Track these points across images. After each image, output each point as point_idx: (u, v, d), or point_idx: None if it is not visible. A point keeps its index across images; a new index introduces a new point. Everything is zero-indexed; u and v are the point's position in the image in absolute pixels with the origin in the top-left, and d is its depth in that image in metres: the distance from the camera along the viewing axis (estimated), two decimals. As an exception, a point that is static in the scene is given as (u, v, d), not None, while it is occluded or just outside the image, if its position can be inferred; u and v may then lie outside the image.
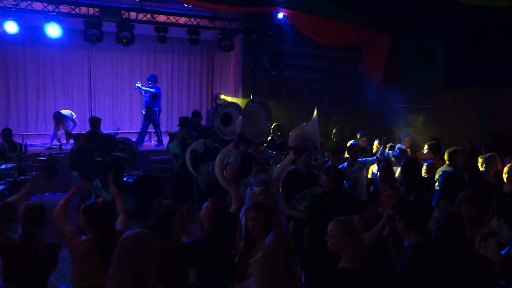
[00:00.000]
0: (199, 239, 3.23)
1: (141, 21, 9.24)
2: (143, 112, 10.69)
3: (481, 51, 8.67)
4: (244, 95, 11.46)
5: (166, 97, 13.67)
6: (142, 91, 10.59)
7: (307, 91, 11.63)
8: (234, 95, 12.05)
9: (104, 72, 12.82)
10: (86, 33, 8.72)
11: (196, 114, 8.88)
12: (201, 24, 9.81)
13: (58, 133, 10.36)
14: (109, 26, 9.00)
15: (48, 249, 2.90)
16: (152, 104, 10.46)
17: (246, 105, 6.10)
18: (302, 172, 5.18)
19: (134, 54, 12.82)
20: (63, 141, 10.03)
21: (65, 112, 10.49)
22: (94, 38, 8.78)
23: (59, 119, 10.20)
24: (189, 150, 6.70)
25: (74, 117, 10.62)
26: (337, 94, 12.08)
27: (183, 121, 7.46)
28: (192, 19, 9.72)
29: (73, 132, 10.30)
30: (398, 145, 7.71)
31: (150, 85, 10.48)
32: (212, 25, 9.92)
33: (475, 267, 2.93)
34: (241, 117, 6.21)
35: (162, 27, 9.43)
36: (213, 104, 11.58)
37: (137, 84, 10.48)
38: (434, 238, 3.04)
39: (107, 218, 2.93)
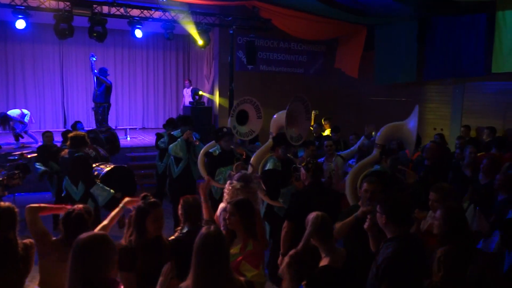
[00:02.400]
0: (179, 236, 3.21)
1: (114, 15, 9.02)
2: (94, 108, 10.13)
3: (455, 44, 8.88)
4: (221, 90, 11.42)
5: (141, 93, 13.49)
6: (95, 83, 10.03)
7: (284, 85, 11.68)
8: (211, 90, 11.99)
9: (77, 68, 12.53)
10: (57, 28, 8.46)
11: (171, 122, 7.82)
12: (176, 18, 9.67)
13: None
14: (80, 21, 8.76)
15: (25, 250, 2.79)
16: (102, 99, 9.92)
17: (290, 103, 5.38)
18: (387, 174, 4.66)
19: (108, 49, 12.56)
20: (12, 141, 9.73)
21: (13, 112, 9.90)
22: (65, 33, 8.52)
23: (4, 120, 9.67)
24: (202, 153, 6.00)
25: (26, 118, 9.97)
26: (314, 88, 12.19)
27: (183, 119, 6.71)
28: (167, 14, 9.57)
29: (28, 131, 10.06)
30: (371, 139, 7.83)
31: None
32: (188, 20, 9.78)
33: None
34: (273, 115, 5.70)
35: (136, 22, 9.24)
36: (191, 100, 11.46)
37: (95, 71, 9.97)
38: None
39: (79, 226, 2.82)
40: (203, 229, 2.34)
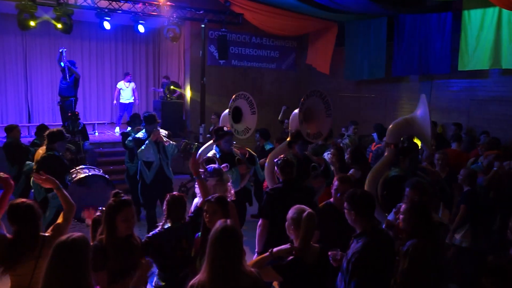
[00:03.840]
0: (159, 231, 3.20)
1: (80, 7, 8.73)
2: (60, 102, 9.60)
3: (422, 41, 9.09)
4: (192, 85, 11.28)
5: (110, 87, 13.12)
6: (67, 74, 9.35)
7: (255, 80, 11.67)
8: (182, 84, 11.83)
9: (42, 60, 12.05)
10: (20, 18, 8.10)
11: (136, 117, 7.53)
12: (146, 11, 9.45)
13: None
14: (45, 11, 8.43)
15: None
16: (70, 92, 9.46)
17: (304, 98, 5.11)
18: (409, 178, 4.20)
19: (74, 42, 12.14)
20: None
21: None
22: (28, 24, 8.15)
23: None
24: (203, 157, 5.33)
25: None
26: (285, 83, 12.24)
27: (147, 119, 6.05)
28: (136, 5, 9.34)
29: None
30: (347, 133, 7.98)
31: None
32: (158, 12, 9.59)
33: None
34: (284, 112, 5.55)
35: (104, 13, 8.96)
36: (162, 95, 11.27)
37: (62, 64, 9.28)
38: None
39: (28, 219, 2.76)
40: (219, 223, 2.33)
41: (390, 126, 4.65)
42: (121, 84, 11.46)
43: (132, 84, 11.48)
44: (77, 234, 2.27)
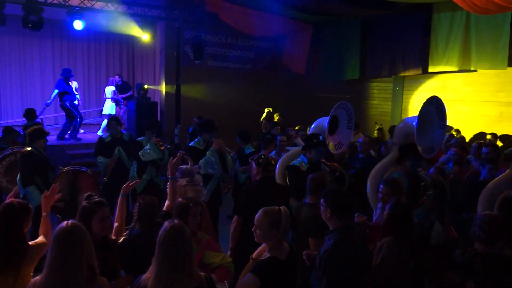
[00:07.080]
0: (129, 237, 3.12)
1: (51, 4, 8.49)
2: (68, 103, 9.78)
3: (394, 43, 9.27)
4: (167, 85, 11.16)
5: (82, 88, 12.81)
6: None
7: (232, 81, 11.63)
8: (157, 84, 11.69)
9: (10, 58, 11.67)
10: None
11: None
12: (119, 10, 9.29)
13: None
14: (14, 8, 8.18)
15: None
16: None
17: (423, 107, 4.38)
18: None
19: (45, 40, 11.83)
20: None
21: None
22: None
23: None
24: (282, 165, 4.77)
25: None
26: (262, 84, 12.26)
27: (205, 125, 5.30)
28: (109, 4, 9.16)
29: None
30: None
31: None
32: (131, 12, 9.44)
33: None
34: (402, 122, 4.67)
35: (75, 12, 8.75)
36: (136, 95, 11.08)
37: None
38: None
39: (12, 222, 2.69)
40: (167, 223, 2.30)
41: None
42: None
43: (75, 84, 10.76)
44: (71, 220, 2.27)
